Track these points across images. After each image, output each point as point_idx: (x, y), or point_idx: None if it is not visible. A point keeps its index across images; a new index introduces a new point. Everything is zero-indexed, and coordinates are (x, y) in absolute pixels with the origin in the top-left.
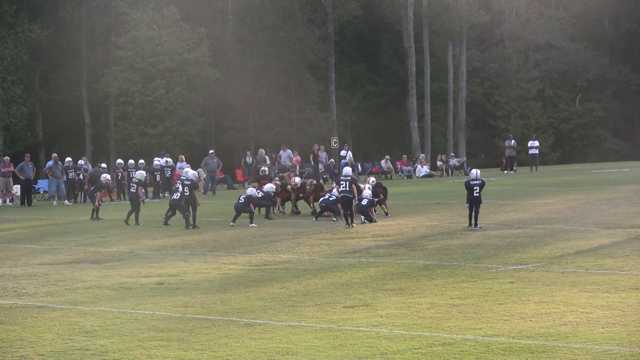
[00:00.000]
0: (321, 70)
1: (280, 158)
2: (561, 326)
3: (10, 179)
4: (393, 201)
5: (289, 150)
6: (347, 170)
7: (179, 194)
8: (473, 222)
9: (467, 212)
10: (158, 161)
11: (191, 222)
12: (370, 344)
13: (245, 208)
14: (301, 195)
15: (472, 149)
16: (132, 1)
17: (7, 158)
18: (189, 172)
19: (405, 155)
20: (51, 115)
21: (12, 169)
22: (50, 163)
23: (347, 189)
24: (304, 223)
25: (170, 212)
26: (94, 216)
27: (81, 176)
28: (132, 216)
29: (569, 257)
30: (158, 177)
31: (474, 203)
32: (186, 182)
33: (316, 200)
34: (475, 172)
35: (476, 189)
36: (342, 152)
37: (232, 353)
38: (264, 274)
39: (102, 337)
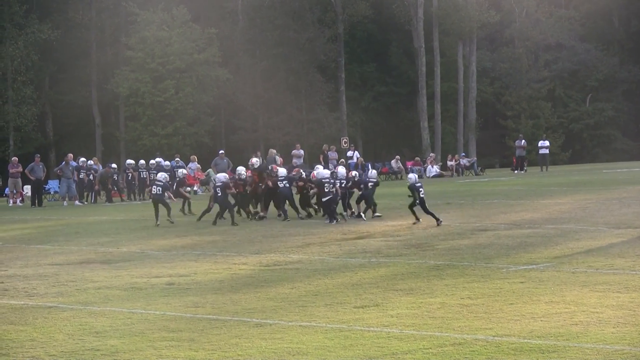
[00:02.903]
0: (331, 71)
1: (293, 157)
2: (572, 326)
3: (19, 180)
4: (403, 201)
5: (301, 150)
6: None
7: (160, 189)
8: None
9: (469, 212)
10: (167, 161)
11: (232, 220)
12: (380, 344)
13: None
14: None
15: (482, 149)
16: (142, 2)
17: (15, 159)
18: (219, 176)
19: (417, 157)
20: (61, 116)
21: (20, 169)
22: (73, 163)
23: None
24: (314, 223)
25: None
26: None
27: (91, 177)
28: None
29: (580, 257)
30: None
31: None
32: (218, 184)
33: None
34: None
35: (421, 191)
36: (349, 153)
37: (243, 353)
38: (275, 274)
39: (112, 338)
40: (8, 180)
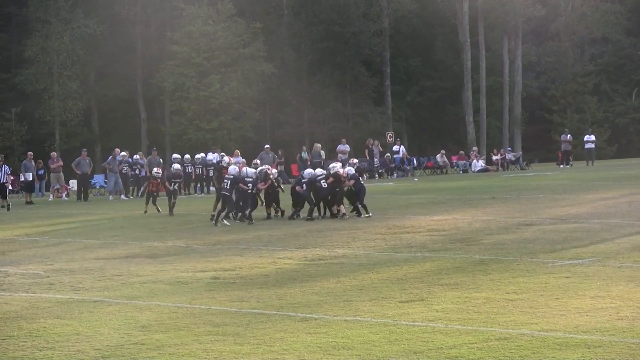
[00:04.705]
0: (376, 65)
1: (338, 152)
2: (617, 321)
3: (61, 174)
4: (448, 195)
5: (347, 145)
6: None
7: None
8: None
9: (514, 207)
10: (211, 155)
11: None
12: (425, 339)
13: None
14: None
15: (527, 144)
16: None
17: (54, 154)
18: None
19: (462, 152)
20: (106, 111)
21: (60, 163)
22: (119, 157)
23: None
24: (359, 218)
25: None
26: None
27: (137, 171)
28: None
29: (626, 252)
30: (211, 172)
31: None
32: (303, 180)
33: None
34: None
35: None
36: (395, 147)
37: (288, 347)
38: (320, 268)
39: (158, 332)
40: (50, 176)
